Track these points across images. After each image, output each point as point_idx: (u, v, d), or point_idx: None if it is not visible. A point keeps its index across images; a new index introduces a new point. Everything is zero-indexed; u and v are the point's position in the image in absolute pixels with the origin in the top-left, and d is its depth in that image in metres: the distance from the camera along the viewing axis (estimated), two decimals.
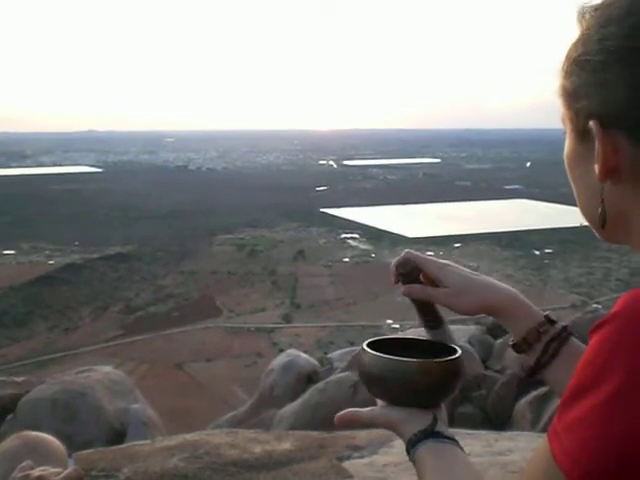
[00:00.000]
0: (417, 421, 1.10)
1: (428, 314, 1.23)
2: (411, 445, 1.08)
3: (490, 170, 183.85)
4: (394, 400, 1.13)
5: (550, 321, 1.18)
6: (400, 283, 1.23)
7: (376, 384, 1.14)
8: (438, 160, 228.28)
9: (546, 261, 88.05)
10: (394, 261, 1.23)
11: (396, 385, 1.10)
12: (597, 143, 0.88)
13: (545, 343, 1.16)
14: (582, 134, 0.93)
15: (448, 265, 1.23)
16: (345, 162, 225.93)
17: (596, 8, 0.92)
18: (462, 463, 1.06)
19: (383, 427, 1.15)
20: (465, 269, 1.23)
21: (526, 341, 1.18)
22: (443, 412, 1.15)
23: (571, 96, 0.94)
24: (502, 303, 1.18)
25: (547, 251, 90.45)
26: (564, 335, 1.17)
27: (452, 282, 1.19)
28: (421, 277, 1.23)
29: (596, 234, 1.01)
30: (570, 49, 0.95)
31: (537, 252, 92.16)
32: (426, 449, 1.06)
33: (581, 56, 0.92)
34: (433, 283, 1.22)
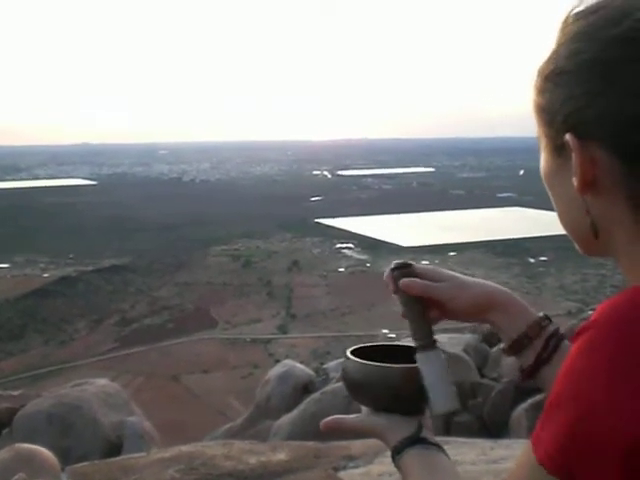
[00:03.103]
0: (402, 428, 1.09)
1: (421, 330, 1.15)
2: (396, 452, 1.08)
3: (484, 178, 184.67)
4: (378, 407, 1.12)
5: (548, 318, 1.18)
6: (397, 291, 1.17)
7: (359, 391, 1.13)
8: (432, 169, 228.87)
9: (541, 269, 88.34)
10: (387, 271, 1.19)
11: (379, 392, 1.10)
12: (574, 156, 0.88)
13: (545, 338, 1.15)
14: (558, 149, 0.93)
15: (439, 268, 1.22)
16: (339, 172, 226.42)
17: (570, 23, 0.93)
18: (447, 469, 1.06)
19: (368, 434, 1.15)
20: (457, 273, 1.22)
21: (527, 335, 1.16)
22: (427, 418, 1.15)
23: (545, 111, 0.94)
24: (498, 298, 1.18)
25: (542, 259, 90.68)
26: (559, 335, 1.17)
27: (449, 278, 1.19)
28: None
29: (578, 248, 1.01)
30: (542, 66, 0.96)
31: (532, 260, 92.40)
32: (411, 456, 1.06)
33: (554, 71, 0.92)
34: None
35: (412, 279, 1.16)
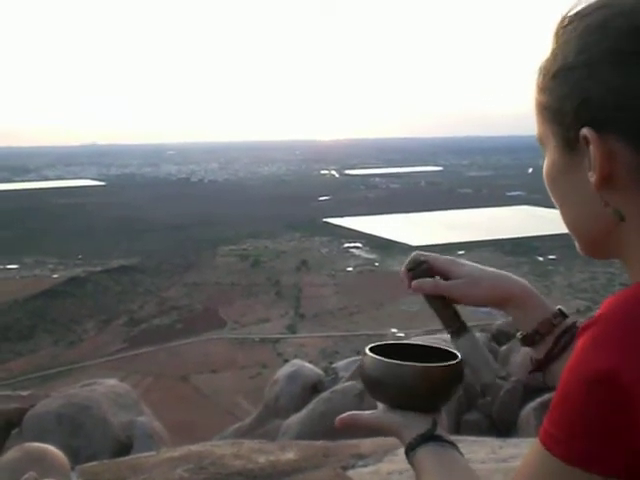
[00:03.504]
0: (417, 425, 1.10)
1: (449, 318, 1.20)
2: (410, 449, 1.09)
3: (492, 177, 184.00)
4: (394, 404, 1.14)
5: (563, 314, 1.18)
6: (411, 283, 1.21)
7: (376, 388, 1.14)
8: (440, 168, 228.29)
9: (550, 267, 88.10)
10: (404, 264, 1.22)
11: (396, 389, 1.11)
12: (593, 150, 0.87)
13: (557, 335, 1.16)
14: (568, 145, 0.92)
15: (455, 259, 1.23)
16: (347, 171, 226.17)
17: (570, 21, 0.93)
18: (460, 466, 1.07)
19: (383, 431, 1.16)
20: (474, 263, 1.24)
21: (538, 332, 1.17)
22: (443, 416, 1.15)
23: (551, 109, 0.94)
24: (514, 293, 1.18)
25: (550, 257, 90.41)
26: (574, 331, 1.15)
27: (463, 274, 1.19)
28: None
29: (580, 249, 1.01)
30: (545, 64, 0.95)
31: (540, 258, 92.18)
32: (425, 452, 1.07)
33: (563, 67, 0.91)
34: (443, 279, 1.21)
35: (422, 280, 1.19)
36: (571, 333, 1.15)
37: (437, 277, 1.21)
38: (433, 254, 1.24)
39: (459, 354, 1.16)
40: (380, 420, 1.15)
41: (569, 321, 1.18)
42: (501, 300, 1.19)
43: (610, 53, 0.86)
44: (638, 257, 0.90)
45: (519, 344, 1.20)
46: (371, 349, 1.18)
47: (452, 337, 1.19)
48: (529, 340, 1.18)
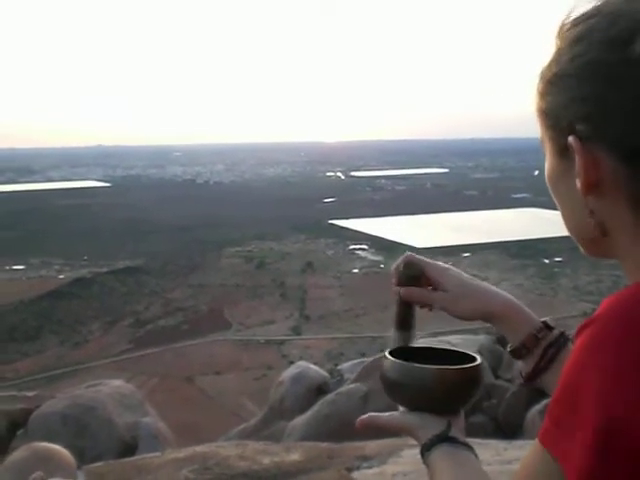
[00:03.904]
0: (432, 426, 1.13)
1: (405, 317, 1.27)
2: (425, 449, 1.11)
3: (497, 179, 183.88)
4: (412, 406, 1.17)
5: (548, 327, 1.20)
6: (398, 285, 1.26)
7: (395, 390, 1.17)
8: (445, 170, 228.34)
9: (555, 269, 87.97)
10: (395, 264, 1.27)
11: (413, 391, 1.14)
12: (577, 158, 0.89)
13: (543, 348, 1.18)
14: (562, 151, 0.93)
15: (449, 269, 1.26)
16: (353, 173, 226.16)
17: (567, 28, 0.94)
18: (474, 468, 1.08)
19: (400, 432, 1.19)
20: (465, 274, 1.26)
21: (525, 346, 1.20)
22: (461, 419, 1.18)
23: (548, 115, 0.95)
24: (499, 310, 1.21)
25: (556, 260, 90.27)
26: (562, 341, 1.19)
27: (451, 286, 1.23)
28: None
29: (582, 249, 1.02)
30: (544, 70, 0.97)
31: (546, 261, 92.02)
32: (439, 453, 1.09)
33: (556, 74, 0.93)
34: (431, 286, 1.26)
35: (411, 288, 1.25)
36: (557, 345, 1.18)
37: (424, 285, 1.26)
38: (426, 260, 1.27)
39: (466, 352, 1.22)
40: (398, 421, 1.18)
41: (556, 332, 1.20)
42: (484, 316, 1.22)
43: (595, 63, 0.87)
44: (630, 259, 0.92)
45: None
46: (390, 352, 1.21)
47: (396, 330, 1.26)
48: (517, 354, 1.22)
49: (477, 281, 1.25)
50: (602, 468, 0.74)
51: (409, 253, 1.28)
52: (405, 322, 1.27)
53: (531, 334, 1.19)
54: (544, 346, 1.18)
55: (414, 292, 1.24)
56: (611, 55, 0.86)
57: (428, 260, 1.27)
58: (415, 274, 1.25)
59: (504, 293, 1.23)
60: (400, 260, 1.27)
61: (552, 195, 1.02)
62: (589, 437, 0.74)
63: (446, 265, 1.28)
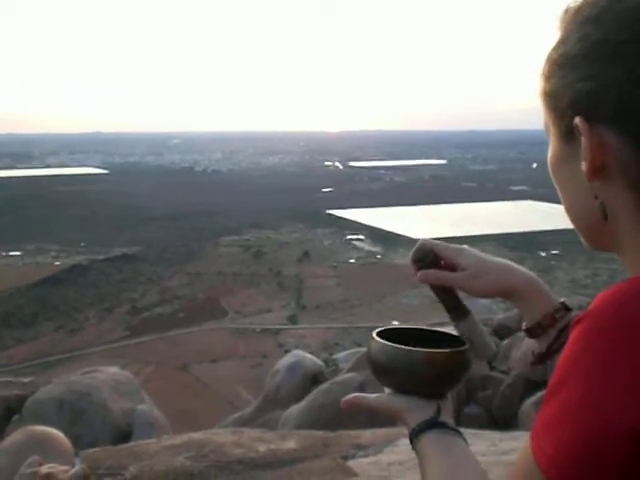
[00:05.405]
0: (421, 411, 1.10)
1: (451, 305, 1.22)
2: (414, 435, 1.08)
3: (496, 171, 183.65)
4: (400, 388, 1.14)
5: (566, 308, 1.18)
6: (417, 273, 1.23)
7: (382, 372, 1.15)
8: (444, 161, 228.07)
9: (552, 262, 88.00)
10: (411, 254, 1.24)
11: (401, 374, 1.11)
12: (584, 139, 0.87)
13: (559, 329, 1.16)
14: (567, 134, 0.92)
15: (464, 249, 1.24)
16: (351, 163, 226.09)
17: (575, 10, 0.92)
18: (463, 454, 1.06)
19: (387, 414, 1.17)
20: (481, 253, 1.24)
21: (540, 326, 1.17)
22: (449, 402, 1.15)
23: (553, 97, 0.94)
24: (519, 285, 1.19)
25: (553, 252, 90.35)
26: None
27: (469, 265, 1.20)
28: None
29: (583, 240, 1.00)
30: (550, 52, 0.95)
31: (543, 253, 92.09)
32: (428, 439, 1.07)
33: (562, 56, 0.92)
34: (450, 269, 1.22)
35: (427, 271, 1.21)
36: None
37: (443, 268, 1.22)
38: (440, 243, 1.25)
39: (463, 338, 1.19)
40: (385, 403, 1.16)
41: (573, 314, 1.17)
42: (504, 292, 1.19)
43: (604, 43, 0.85)
44: (631, 251, 0.90)
45: (521, 338, 1.28)
46: (378, 333, 1.18)
47: (453, 321, 1.21)
48: (532, 333, 1.19)
49: (494, 257, 1.23)
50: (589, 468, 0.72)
51: (422, 239, 1.24)
52: (454, 309, 1.22)
53: (548, 313, 1.17)
54: (560, 327, 1.16)
55: (430, 274, 1.21)
56: (619, 34, 0.84)
57: (441, 242, 1.25)
58: (428, 257, 1.21)
59: (524, 269, 1.21)
60: (413, 249, 1.24)
61: (554, 181, 0.99)
62: (574, 438, 0.73)
63: (460, 246, 1.26)
